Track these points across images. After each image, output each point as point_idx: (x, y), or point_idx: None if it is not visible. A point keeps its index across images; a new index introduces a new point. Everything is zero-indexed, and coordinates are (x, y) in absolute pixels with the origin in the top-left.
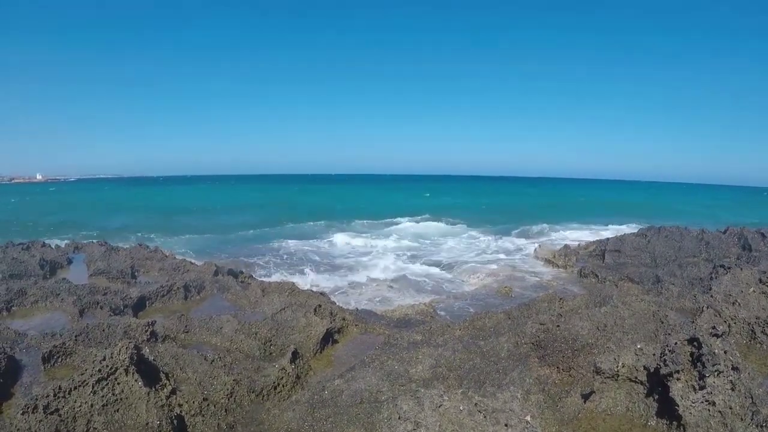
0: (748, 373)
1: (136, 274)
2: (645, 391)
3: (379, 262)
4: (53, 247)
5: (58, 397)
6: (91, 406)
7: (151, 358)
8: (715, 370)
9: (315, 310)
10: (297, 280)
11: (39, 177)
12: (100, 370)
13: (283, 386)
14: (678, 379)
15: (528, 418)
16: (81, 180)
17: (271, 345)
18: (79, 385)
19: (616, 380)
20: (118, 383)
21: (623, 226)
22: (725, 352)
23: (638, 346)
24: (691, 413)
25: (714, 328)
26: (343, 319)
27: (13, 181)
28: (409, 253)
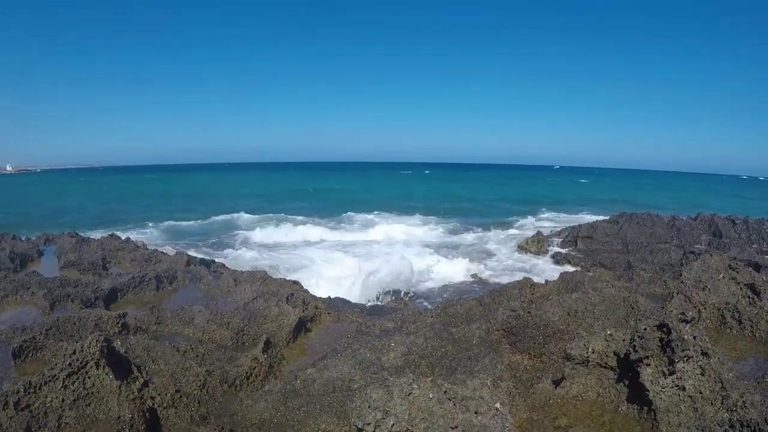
0: (718, 358)
1: (107, 265)
2: (615, 377)
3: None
4: (23, 239)
5: (29, 393)
6: (62, 400)
7: (122, 350)
8: (685, 356)
9: (287, 298)
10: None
11: (9, 168)
12: (70, 364)
13: (255, 376)
14: (648, 365)
15: (497, 405)
16: (58, 171)
17: (243, 335)
18: (50, 380)
19: (587, 366)
20: (89, 377)
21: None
22: (694, 338)
23: (608, 332)
24: (661, 398)
25: (683, 313)
26: (316, 307)
27: None
28: (381, 240)
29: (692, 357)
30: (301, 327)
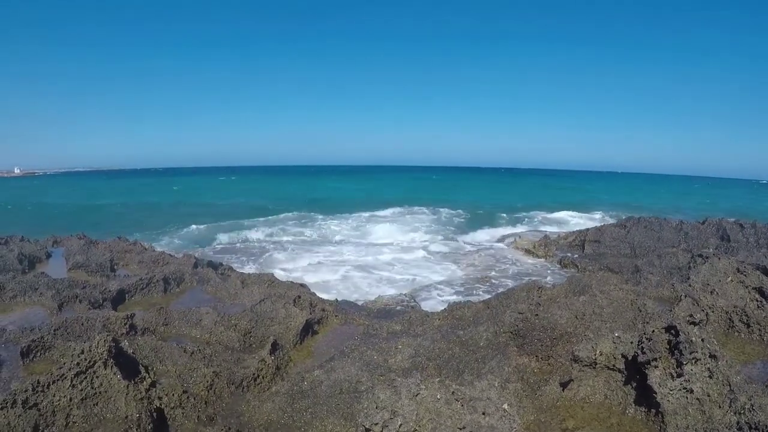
0: (726, 361)
1: (115, 267)
2: (623, 379)
3: (358, 252)
4: (32, 241)
5: (37, 392)
6: (70, 400)
7: (130, 351)
8: (693, 358)
9: (295, 301)
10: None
11: (17, 171)
12: (78, 364)
13: (262, 378)
14: (656, 367)
15: (505, 406)
16: (64, 174)
17: (250, 337)
18: (58, 379)
19: (594, 368)
20: (97, 376)
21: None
22: (702, 340)
23: (616, 334)
24: (669, 401)
25: (691, 316)
26: (323, 309)
27: None
28: (390, 243)
29: (700, 359)
30: (308, 329)
